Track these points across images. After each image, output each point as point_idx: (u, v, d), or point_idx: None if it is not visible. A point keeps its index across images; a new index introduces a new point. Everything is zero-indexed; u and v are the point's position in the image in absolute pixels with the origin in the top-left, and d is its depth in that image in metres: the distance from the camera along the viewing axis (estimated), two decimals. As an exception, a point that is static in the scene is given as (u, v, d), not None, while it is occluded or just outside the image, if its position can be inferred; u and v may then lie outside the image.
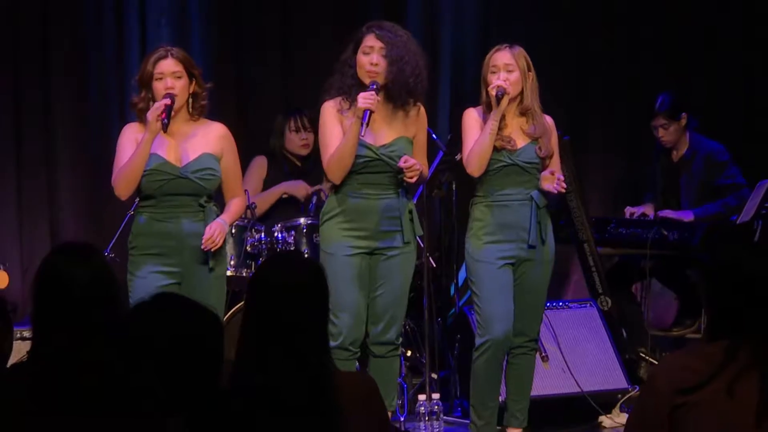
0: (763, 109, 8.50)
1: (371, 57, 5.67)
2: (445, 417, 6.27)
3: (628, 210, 7.63)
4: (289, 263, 3.31)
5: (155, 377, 2.95)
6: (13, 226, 7.46)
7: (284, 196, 7.21)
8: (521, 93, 5.82)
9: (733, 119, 8.49)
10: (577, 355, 6.73)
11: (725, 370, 3.12)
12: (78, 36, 7.55)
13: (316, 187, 7.11)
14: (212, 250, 5.42)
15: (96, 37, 7.57)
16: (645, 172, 7.96)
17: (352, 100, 5.64)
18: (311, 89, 6.20)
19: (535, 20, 8.30)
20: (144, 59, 5.65)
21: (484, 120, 5.80)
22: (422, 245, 6.33)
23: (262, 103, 7.91)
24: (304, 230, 6.71)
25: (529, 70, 5.82)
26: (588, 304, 7.06)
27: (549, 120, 5.94)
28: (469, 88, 7.18)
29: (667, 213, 7.50)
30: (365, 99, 5.55)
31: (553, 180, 5.74)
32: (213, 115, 5.69)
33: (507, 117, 5.82)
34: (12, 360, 3.48)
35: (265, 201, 7.15)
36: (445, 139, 7.09)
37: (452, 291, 7.32)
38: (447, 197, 7.06)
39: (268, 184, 7.29)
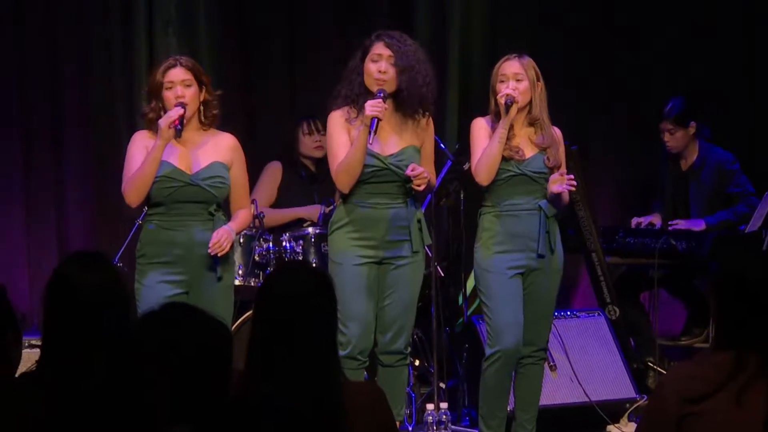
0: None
1: (380, 65, 5.68)
2: (453, 426, 6.26)
3: (635, 221, 7.61)
4: (296, 273, 3.31)
5: (164, 387, 2.95)
6: (19, 233, 7.45)
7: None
8: (530, 103, 5.81)
9: (740, 129, 8.44)
10: (585, 365, 6.72)
11: (733, 380, 3.12)
12: (86, 41, 7.58)
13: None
14: (219, 254, 5.42)
15: (102, 43, 7.59)
16: (651, 182, 7.92)
17: (360, 109, 5.65)
18: (319, 95, 6.21)
19: (540, 28, 8.26)
20: (152, 70, 5.66)
21: (493, 129, 5.80)
22: (430, 254, 6.33)
23: (270, 108, 7.92)
24: (313, 240, 6.71)
25: (538, 80, 5.82)
26: (596, 314, 7.05)
27: (557, 132, 5.93)
28: (477, 98, 7.17)
29: (678, 223, 7.47)
30: (373, 107, 5.56)
31: (563, 180, 5.72)
32: (220, 121, 5.68)
33: (515, 127, 5.82)
34: (20, 369, 3.48)
35: (276, 219, 7.09)
36: (453, 149, 7.10)
37: (460, 300, 7.32)
38: (455, 206, 7.06)
39: (282, 190, 7.27)
